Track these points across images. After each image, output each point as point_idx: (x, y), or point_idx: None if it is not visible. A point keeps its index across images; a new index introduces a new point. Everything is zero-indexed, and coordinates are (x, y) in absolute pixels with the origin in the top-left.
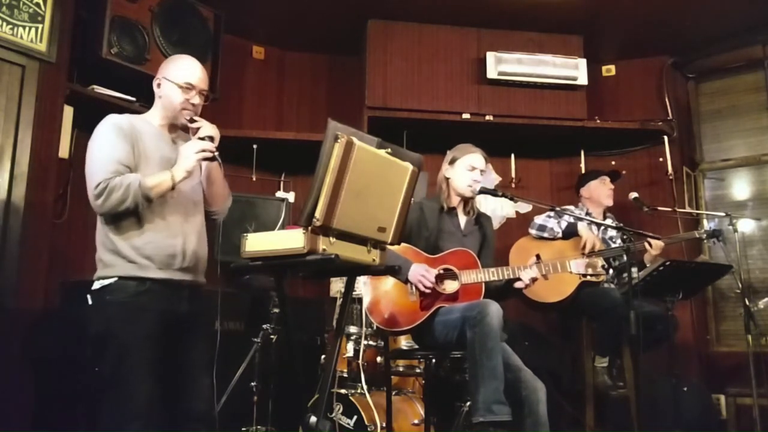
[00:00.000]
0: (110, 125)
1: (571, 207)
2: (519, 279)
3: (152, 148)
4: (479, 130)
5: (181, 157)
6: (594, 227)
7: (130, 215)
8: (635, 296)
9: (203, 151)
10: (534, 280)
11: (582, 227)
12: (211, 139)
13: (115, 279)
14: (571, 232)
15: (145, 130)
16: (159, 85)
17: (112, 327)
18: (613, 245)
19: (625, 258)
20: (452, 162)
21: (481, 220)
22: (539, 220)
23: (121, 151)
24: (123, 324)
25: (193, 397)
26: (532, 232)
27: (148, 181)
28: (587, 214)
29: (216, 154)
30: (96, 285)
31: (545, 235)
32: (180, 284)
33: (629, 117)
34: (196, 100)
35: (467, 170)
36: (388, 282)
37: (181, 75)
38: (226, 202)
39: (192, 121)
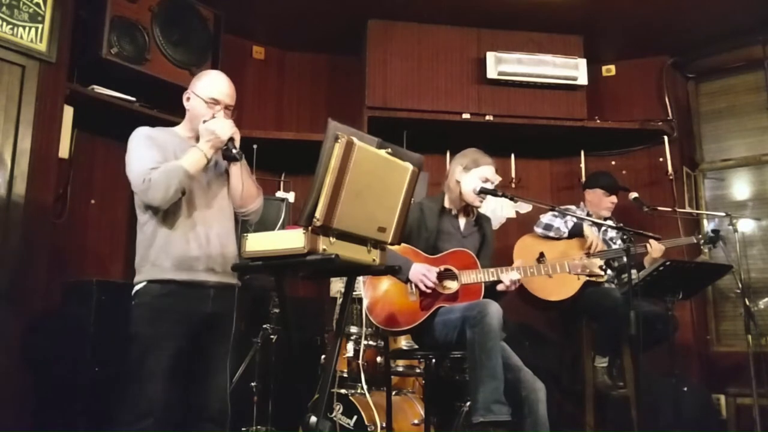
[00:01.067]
0: (140, 136)
1: (573, 207)
2: (500, 282)
3: (176, 155)
4: (479, 130)
5: (201, 134)
6: (594, 227)
7: (156, 221)
8: (635, 296)
9: (233, 128)
10: (515, 282)
11: (587, 228)
12: (232, 140)
13: (145, 283)
14: (576, 233)
15: (172, 140)
16: (188, 99)
17: (136, 328)
18: (613, 246)
19: (625, 258)
20: (467, 169)
21: (480, 221)
22: (545, 218)
23: (153, 154)
24: (145, 325)
25: (210, 395)
26: (538, 230)
27: (184, 161)
28: (588, 214)
29: (238, 153)
30: (134, 290)
31: (551, 234)
32: (204, 285)
33: (629, 117)
34: (221, 115)
35: (481, 182)
36: (388, 282)
37: (207, 90)
38: (255, 201)
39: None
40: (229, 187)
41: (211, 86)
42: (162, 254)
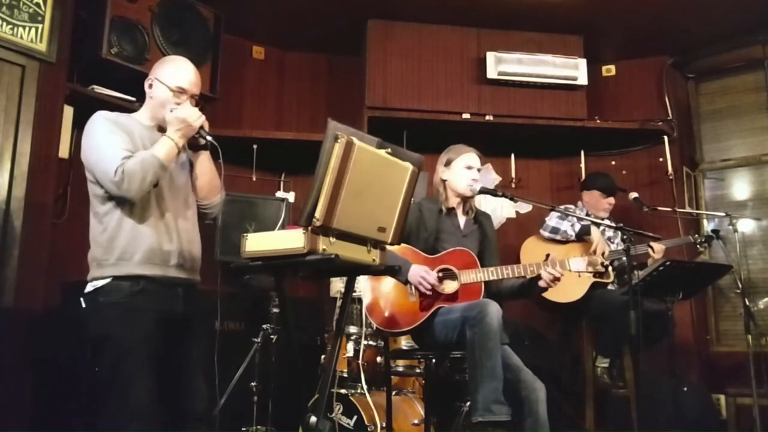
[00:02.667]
0: (102, 120)
1: (572, 206)
2: (540, 277)
3: (149, 143)
4: (479, 130)
5: (169, 123)
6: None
7: (122, 212)
8: (636, 296)
9: (200, 118)
10: (557, 280)
11: (594, 230)
12: (202, 128)
13: (109, 279)
14: (582, 235)
15: (134, 126)
16: (150, 85)
17: (110, 329)
18: (611, 245)
19: (624, 258)
20: (448, 164)
21: (480, 218)
22: (551, 222)
23: (121, 140)
24: (120, 325)
25: (192, 397)
26: (545, 234)
27: (156, 150)
28: (587, 214)
29: (209, 138)
30: (89, 287)
31: (558, 237)
32: (174, 282)
33: (629, 117)
34: (187, 105)
35: (464, 170)
36: (388, 282)
37: (173, 78)
38: (218, 194)
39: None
40: (193, 178)
41: (177, 74)
42: (130, 248)
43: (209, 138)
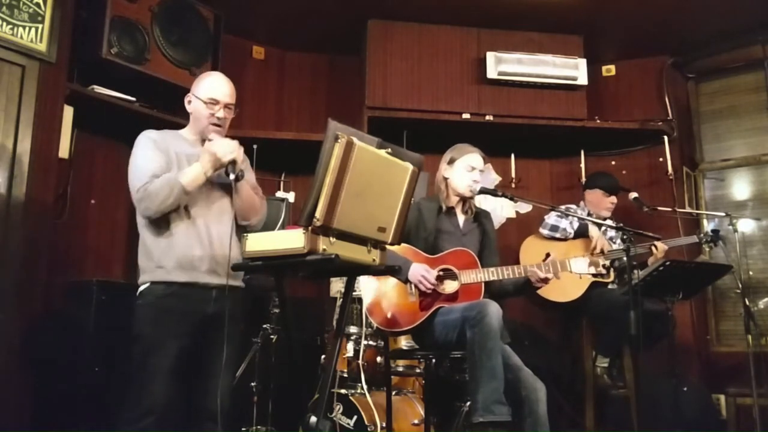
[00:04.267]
0: (144, 139)
1: (573, 206)
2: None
3: (184, 156)
4: (479, 130)
5: (203, 152)
6: (595, 227)
7: (160, 221)
8: (636, 295)
9: (234, 152)
10: (546, 279)
11: (592, 228)
12: (233, 163)
13: (148, 284)
14: (581, 233)
15: (177, 141)
16: (189, 102)
17: (141, 328)
18: (613, 246)
19: (625, 258)
20: (451, 162)
21: (479, 217)
22: (551, 220)
23: (155, 160)
24: (148, 325)
25: (209, 396)
26: (544, 232)
27: (182, 177)
28: (588, 214)
29: (238, 174)
30: (138, 291)
31: (557, 235)
32: (206, 287)
33: (629, 117)
34: (221, 114)
35: (466, 171)
36: (388, 282)
37: (205, 91)
38: (259, 213)
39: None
40: (232, 194)
41: (209, 87)
42: (165, 255)
43: (232, 176)
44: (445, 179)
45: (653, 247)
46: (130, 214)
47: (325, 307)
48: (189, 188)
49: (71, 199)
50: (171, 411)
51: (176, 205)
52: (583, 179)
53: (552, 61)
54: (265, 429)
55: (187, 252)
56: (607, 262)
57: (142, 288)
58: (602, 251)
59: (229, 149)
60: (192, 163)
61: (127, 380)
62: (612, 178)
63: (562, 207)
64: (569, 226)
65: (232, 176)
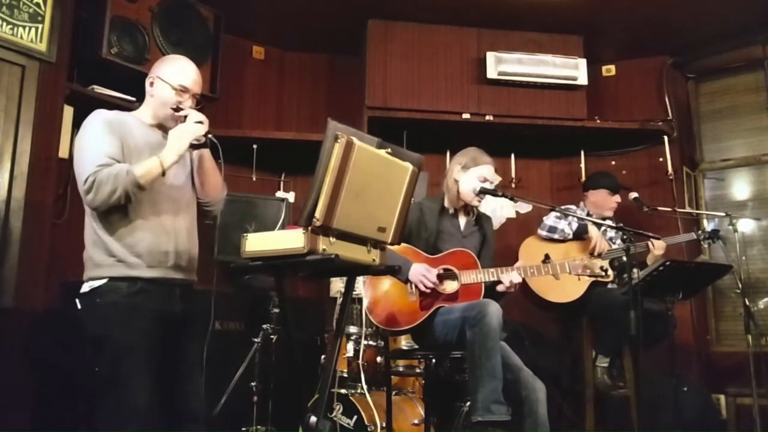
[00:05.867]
0: (98, 120)
1: (573, 207)
2: (500, 282)
3: (142, 144)
4: (479, 130)
5: (170, 141)
6: (594, 228)
7: (120, 211)
8: (636, 295)
9: (195, 133)
10: (515, 284)
11: (591, 229)
12: (201, 124)
13: (106, 280)
14: (580, 234)
15: (134, 125)
16: (152, 83)
17: (108, 329)
18: (613, 246)
19: (625, 258)
20: (465, 168)
21: (481, 220)
22: (549, 221)
23: (109, 145)
24: (118, 325)
25: (188, 397)
26: (542, 233)
27: (137, 169)
28: (588, 214)
29: (210, 136)
30: (85, 287)
31: (556, 236)
32: (172, 283)
33: (629, 117)
34: (188, 103)
35: (479, 181)
36: (388, 282)
37: (175, 77)
38: (220, 192)
39: (178, 110)
40: (194, 177)
41: (180, 73)
42: (125, 249)
43: (210, 136)
44: (456, 182)
45: (650, 243)
46: None
47: (325, 307)
48: (142, 181)
49: (71, 199)
50: (150, 417)
51: (127, 199)
52: (583, 179)
53: (552, 61)
54: (265, 429)
55: (152, 245)
56: (605, 264)
57: (96, 284)
58: (599, 254)
59: (194, 129)
60: (152, 152)
61: (99, 386)
62: (614, 177)
63: (562, 208)
64: (567, 227)
65: (203, 140)
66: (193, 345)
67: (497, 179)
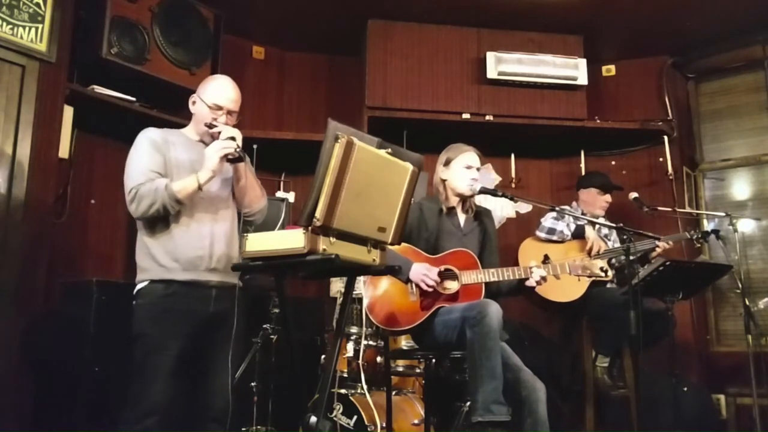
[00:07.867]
0: (143, 138)
1: (567, 207)
2: (528, 278)
3: (184, 158)
4: (479, 130)
5: (206, 158)
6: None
7: (162, 220)
8: (636, 295)
9: (224, 149)
10: (543, 279)
11: (588, 229)
12: (233, 139)
13: (147, 282)
14: (578, 235)
15: (178, 141)
16: (194, 102)
17: (141, 328)
18: (608, 243)
19: (624, 258)
20: (447, 163)
21: (480, 216)
22: (547, 223)
23: (151, 161)
24: (149, 325)
25: (215, 396)
26: (541, 235)
27: (175, 185)
28: (582, 214)
29: (241, 153)
30: (135, 289)
31: (554, 238)
32: (207, 285)
33: (629, 117)
34: (223, 119)
35: (464, 169)
36: (388, 282)
37: (210, 95)
38: (260, 202)
39: (211, 126)
40: (234, 188)
41: (215, 91)
42: (165, 254)
43: (239, 151)
44: (443, 181)
45: (658, 247)
46: (130, 214)
47: (325, 307)
48: (180, 196)
49: (71, 199)
50: (173, 411)
51: (165, 212)
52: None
53: (552, 61)
54: (265, 429)
55: (188, 250)
56: (604, 263)
57: (140, 287)
58: (598, 253)
59: (223, 145)
60: (191, 170)
61: (128, 380)
62: (605, 176)
63: (557, 208)
64: (566, 228)
65: (236, 155)
66: (223, 345)
67: (488, 167)
